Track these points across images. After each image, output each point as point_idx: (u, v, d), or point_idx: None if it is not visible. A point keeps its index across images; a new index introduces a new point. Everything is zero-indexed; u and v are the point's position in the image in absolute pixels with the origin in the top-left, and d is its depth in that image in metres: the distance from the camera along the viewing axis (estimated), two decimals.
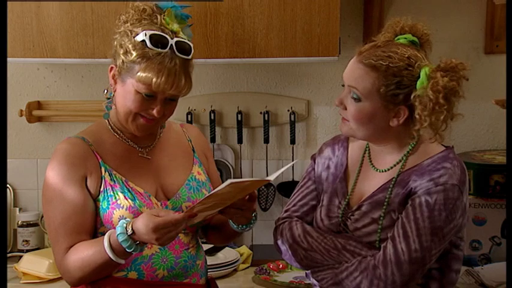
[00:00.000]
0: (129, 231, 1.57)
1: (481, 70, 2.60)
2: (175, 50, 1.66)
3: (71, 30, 2.31)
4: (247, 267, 2.48)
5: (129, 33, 1.68)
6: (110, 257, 1.60)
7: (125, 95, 1.69)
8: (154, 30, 1.67)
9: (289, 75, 2.67)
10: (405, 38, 1.66)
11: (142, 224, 1.56)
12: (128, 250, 1.58)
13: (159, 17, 1.71)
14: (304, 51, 2.30)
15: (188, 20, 1.76)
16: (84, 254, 1.64)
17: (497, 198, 2.37)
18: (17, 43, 2.33)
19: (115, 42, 1.71)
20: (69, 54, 2.33)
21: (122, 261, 1.62)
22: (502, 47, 2.54)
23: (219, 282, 1.96)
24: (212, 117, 2.64)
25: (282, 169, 1.65)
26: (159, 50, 1.64)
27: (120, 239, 1.57)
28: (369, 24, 2.56)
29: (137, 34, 1.66)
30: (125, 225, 1.58)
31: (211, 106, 2.65)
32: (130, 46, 1.66)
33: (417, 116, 1.59)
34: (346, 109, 1.66)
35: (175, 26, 1.71)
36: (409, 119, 1.62)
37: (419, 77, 1.59)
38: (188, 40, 1.72)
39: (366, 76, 1.61)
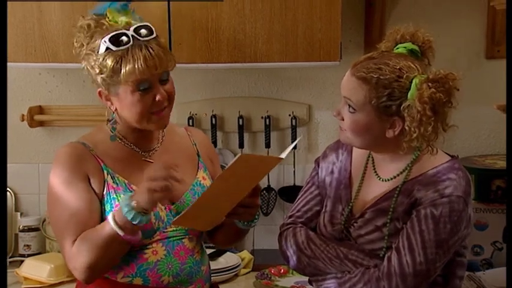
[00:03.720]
0: (132, 201, 1.57)
1: (482, 75, 2.60)
2: (139, 38, 1.67)
3: (72, 35, 2.31)
4: (249, 272, 2.47)
5: (91, 52, 1.68)
6: (115, 231, 1.58)
7: (126, 103, 1.69)
8: (108, 33, 1.67)
9: (290, 80, 2.67)
10: (404, 47, 1.66)
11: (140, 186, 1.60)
12: (132, 221, 1.56)
13: (104, 22, 1.71)
14: (306, 56, 2.30)
15: (129, 6, 1.76)
16: (90, 237, 1.62)
17: (499, 203, 2.37)
18: (19, 48, 2.34)
19: (85, 69, 1.72)
20: (71, 59, 2.32)
21: (128, 237, 1.59)
22: (503, 52, 2.54)
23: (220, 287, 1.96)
24: (213, 122, 2.64)
25: (291, 146, 1.65)
26: (125, 46, 1.65)
27: (124, 209, 1.56)
28: (370, 29, 2.56)
29: (98, 47, 1.67)
30: (127, 197, 1.59)
31: (213, 111, 2.65)
32: (100, 61, 1.66)
33: (406, 128, 1.59)
34: (343, 120, 1.66)
35: (123, 19, 1.72)
36: (404, 130, 1.62)
37: (410, 88, 1.58)
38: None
39: (358, 88, 1.61)
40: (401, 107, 1.59)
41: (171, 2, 2.29)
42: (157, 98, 1.68)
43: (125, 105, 1.69)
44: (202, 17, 2.29)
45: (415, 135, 1.58)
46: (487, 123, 2.63)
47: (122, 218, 1.58)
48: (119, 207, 1.61)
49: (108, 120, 1.76)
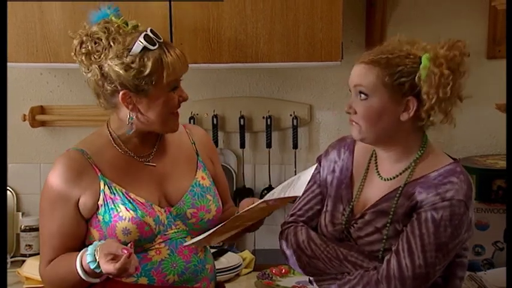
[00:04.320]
0: (97, 251, 1.58)
1: (483, 75, 2.60)
2: (158, 38, 1.69)
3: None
4: (250, 272, 2.47)
5: (121, 53, 1.66)
6: (82, 278, 1.61)
7: (156, 103, 1.70)
8: (135, 35, 1.68)
9: (291, 80, 2.67)
10: None
11: (102, 244, 1.59)
12: (95, 270, 1.58)
13: (122, 27, 1.71)
14: (307, 56, 2.30)
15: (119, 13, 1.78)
16: (60, 271, 1.67)
17: (500, 203, 2.37)
18: (21, 48, 2.34)
19: (100, 73, 1.69)
20: (72, 59, 2.33)
21: (96, 280, 1.63)
22: (504, 51, 2.54)
23: None
24: (215, 122, 2.64)
25: (306, 178, 1.63)
26: (156, 46, 1.67)
27: (88, 259, 1.59)
28: (371, 29, 2.57)
29: (130, 48, 1.66)
30: (96, 245, 1.60)
31: (214, 111, 2.66)
32: (137, 61, 1.65)
33: (424, 96, 1.59)
34: (356, 113, 1.65)
35: (132, 22, 1.73)
36: (418, 111, 1.62)
37: (421, 62, 1.59)
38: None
39: (369, 72, 1.62)
40: (416, 78, 1.59)
41: (172, 2, 2.29)
42: (182, 97, 1.73)
43: (154, 106, 1.70)
44: (204, 17, 2.29)
45: (434, 100, 1.58)
46: (488, 123, 2.63)
47: (86, 265, 1.60)
48: (86, 253, 1.61)
49: (130, 123, 1.73)
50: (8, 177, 2.53)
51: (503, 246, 2.40)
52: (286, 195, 1.62)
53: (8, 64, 2.06)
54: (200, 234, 1.81)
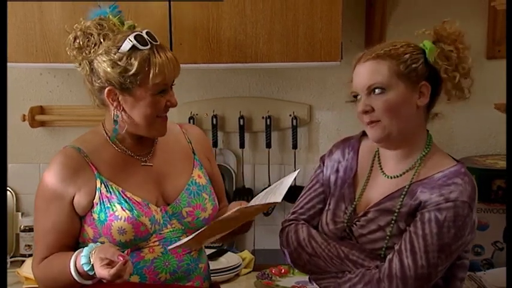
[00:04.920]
0: (92, 254, 1.58)
1: (483, 75, 2.60)
2: (152, 40, 1.69)
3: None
4: (249, 272, 2.47)
5: (109, 51, 1.67)
6: (75, 279, 1.61)
7: (141, 105, 1.69)
8: (127, 33, 1.68)
9: (291, 80, 2.67)
10: None
11: (98, 247, 1.59)
12: (89, 273, 1.58)
13: (112, 24, 1.72)
14: (306, 56, 2.30)
15: (120, 12, 1.78)
16: (53, 270, 1.67)
17: (500, 203, 2.37)
18: (20, 48, 2.34)
19: (89, 68, 1.70)
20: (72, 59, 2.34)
21: (89, 282, 1.62)
22: (504, 52, 2.54)
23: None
24: (214, 122, 2.64)
25: (287, 184, 1.62)
26: (147, 46, 1.67)
27: (83, 261, 1.58)
28: (370, 29, 2.57)
29: (119, 46, 1.66)
30: (92, 247, 1.60)
31: (214, 111, 2.66)
32: (125, 59, 1.66)
33: (444, 75, 1.62)
34: (373, 110, 1.64)
35: (129, 23, 1.74)
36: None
37: (424, 49, 1.63)
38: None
39: (379, 66, 1.63)
40: (431, 61, 1.62)
41: (172, 2, 2.29)
42: (170, 102, 1.71)
43: (139, 106, 1.69)
44: (203, 17, 2.29)
45: (457, 77, 1.63)
46: (488, 123, 2.63)
47: (80, 266, 1.60)
48: (81, 254, 1.61)
49: (115, 121, 1.73)
50: (8, 178, 2.53)
51: (502, 246, 2.40)
52: (267, 201, 1.62)
53: (8, 64, 2.06)
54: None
